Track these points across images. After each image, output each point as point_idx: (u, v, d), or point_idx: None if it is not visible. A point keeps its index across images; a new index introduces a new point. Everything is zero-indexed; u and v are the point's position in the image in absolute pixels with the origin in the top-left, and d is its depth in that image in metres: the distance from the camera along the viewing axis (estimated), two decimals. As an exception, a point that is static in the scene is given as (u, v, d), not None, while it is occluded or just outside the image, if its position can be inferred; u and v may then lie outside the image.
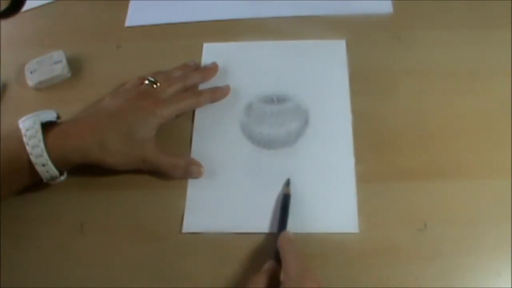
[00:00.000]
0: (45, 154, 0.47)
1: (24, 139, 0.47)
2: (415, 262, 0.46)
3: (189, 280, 0.46)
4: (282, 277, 0.43)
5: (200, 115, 0.55)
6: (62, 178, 0.50)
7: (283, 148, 0.52)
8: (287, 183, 0.50)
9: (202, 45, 0.60)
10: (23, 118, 0.48)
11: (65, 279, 0.47)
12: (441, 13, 0.60)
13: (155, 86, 0.54)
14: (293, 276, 0.41)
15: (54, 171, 0.48)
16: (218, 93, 0.56)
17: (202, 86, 0.57)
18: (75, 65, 0.60)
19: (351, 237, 0.47)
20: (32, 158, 0.46)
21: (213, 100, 0.56)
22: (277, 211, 0.49)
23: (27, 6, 0.66)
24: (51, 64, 0.59)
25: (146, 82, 0.54)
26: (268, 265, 0.44)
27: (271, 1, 0.63)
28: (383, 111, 0.54)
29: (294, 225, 0.48)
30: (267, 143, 0.53)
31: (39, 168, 0.47)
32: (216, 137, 0.54)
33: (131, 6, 0.65)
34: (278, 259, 0.44)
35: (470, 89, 0.54)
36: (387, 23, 0.60)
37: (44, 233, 0.50)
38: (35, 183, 0.49)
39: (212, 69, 0.58)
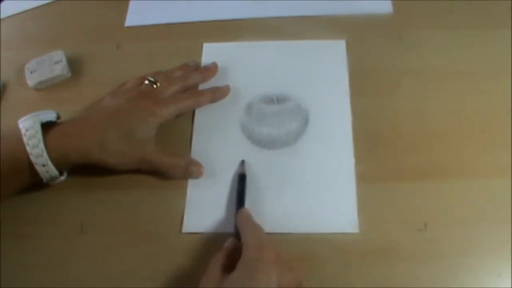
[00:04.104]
0: (45, 154, 0.47)
1: (24, 139, 0.47)
2: (415, 262, 0.46)
3: (189, 280, 0.46)
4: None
5: (200, 115, 0.55)
6: (62, 178, 0.50)
7: (283, 148, 0.52)
8: (242, 163, 0.51)
9: (202, 45, 0.60)
10: (23, 118, 0.48)
11: (65, 279, 0.47)
12: (441, 13, 0.60)
13: (155, 86, 0.54)
14: (251, 246, 0.41)
15: (54, 171, 0.48)
16: (218, 93, 0.56)
17: (202, 86, 0.57)
18: (75, 65, 0.60)
19: (351, 237, 0.47)
20: (32, 158, 0.46)
21: (213, 100, 0.56)
22: (277, 211, 0.49)
23: (27, 6, 0.66)
24: (51, 64, 0.59)
25: (146, 82, 0.54)
26: (228, 242, 0.44)
27: (271, 1, 0.63)
28: (383, 111, 0.54)
29: (294, 225, 0.48)
30: (267, 143, 0.53)
31: (39, 168, 0.47)
32: (216, 137, 0.54)
33: (131, 6, 0.65)
34: (238, 237, 0.44)
35: (470, 89, 0.54)
36: (387, 23, 0.60)
37: (44, 233, 0.50)
38: (35, 183, 0.49)
39: (212, 69, 0.58)
